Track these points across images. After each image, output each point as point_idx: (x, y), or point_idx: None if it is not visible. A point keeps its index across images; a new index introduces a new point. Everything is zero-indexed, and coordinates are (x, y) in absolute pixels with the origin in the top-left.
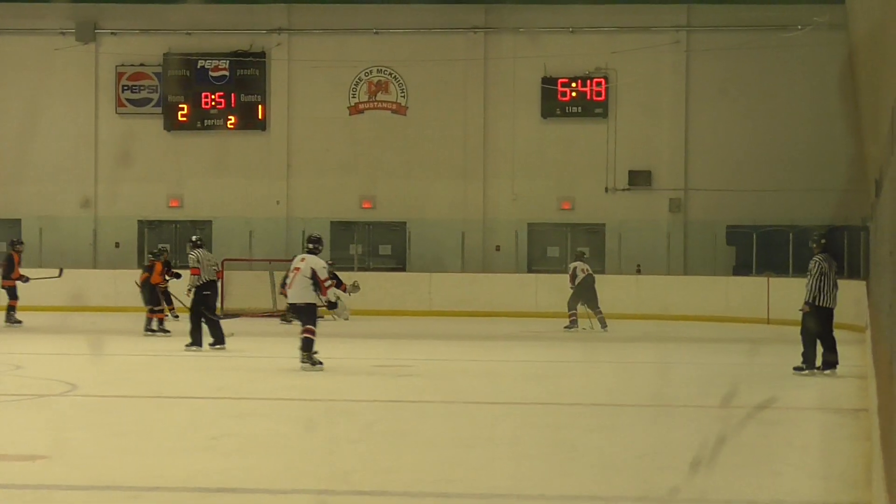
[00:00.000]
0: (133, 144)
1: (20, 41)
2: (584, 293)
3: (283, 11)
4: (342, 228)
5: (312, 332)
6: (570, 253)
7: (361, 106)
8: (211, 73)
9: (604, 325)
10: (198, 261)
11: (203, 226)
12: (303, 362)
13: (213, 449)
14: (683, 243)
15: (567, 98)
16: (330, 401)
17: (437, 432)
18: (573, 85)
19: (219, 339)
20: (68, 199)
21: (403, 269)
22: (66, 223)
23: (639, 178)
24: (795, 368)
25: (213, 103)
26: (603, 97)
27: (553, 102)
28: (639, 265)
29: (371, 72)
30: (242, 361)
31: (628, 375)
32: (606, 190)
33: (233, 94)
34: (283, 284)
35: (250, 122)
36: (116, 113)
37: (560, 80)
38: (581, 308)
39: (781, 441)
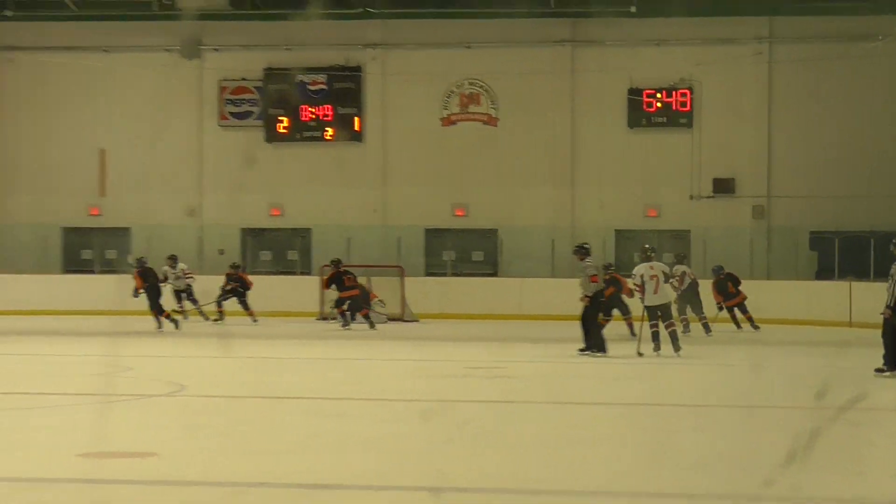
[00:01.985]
0: (235, 156)
1: (129, 58)
2: (692, 298)
3: (378, 27)
4: (436, 235)
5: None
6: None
7: (454, 117)
8: (309, 87)
9: (708, 331)
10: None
11: (303, 234)
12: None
13: (312, 447)
14: (766, 248)
15: (653, 109)
16: (425, 401)
17: (530, 432)
18: (658, 96)
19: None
20: (174, 208)
21: (495, 275)
22: (172, 231)
23: (723, 186)
24: (877, 370)
25: (312, 116)
26: (688, 107)
27: (639, 113)
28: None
29: (463, 84)
30: (338, 363)
31: (720, 377)
32: (691, 197)
33: (330, 107)
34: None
35: (347, 133)
36: (219, 126)
37: (646, 91)
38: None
39: (864, 441)
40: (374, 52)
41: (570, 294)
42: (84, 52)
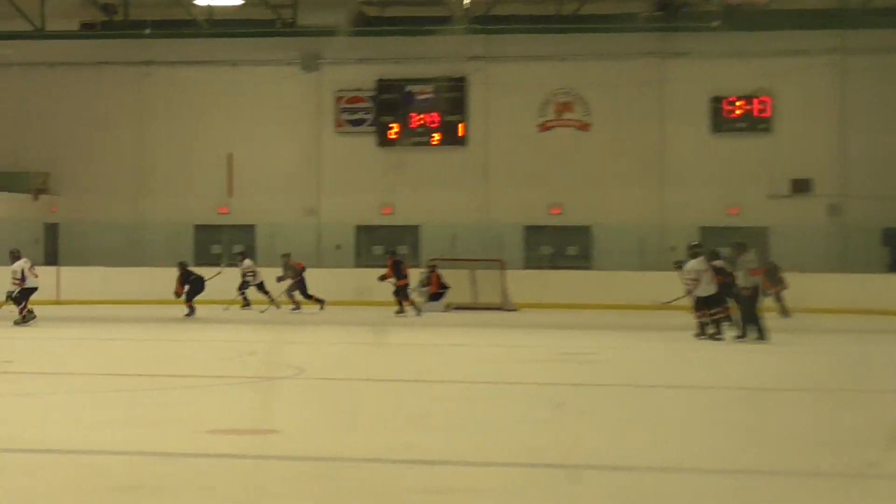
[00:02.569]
0: (350, 159)
1: (255, 72)
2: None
3: (481, 41)
4: (534, 232)
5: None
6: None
7: (549, 123)
8: (418, 97)
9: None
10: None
11: (412, 231)
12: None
13: (418, 426)
14: (841, 245)
15: (734, 115)
16: (522, 384)
17: (618, 412)
18: (739, 103)
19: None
20: (295, 207)
21: (588, 268)
22: (293, 229)
23: (800, 186)
24: None
25: (420, 122)
26: (767, 113)
27: (721, 119)
28: (802, 266)
29: (558, 93)
30: (439, 349)
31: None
32: (770, 197)
33: (437, 115)
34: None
35: (452, 138)
36: (336, 132)
37: (727, 99)
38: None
39: None
40: (477, 64)
41: (657, 286)
42: (214, 66)
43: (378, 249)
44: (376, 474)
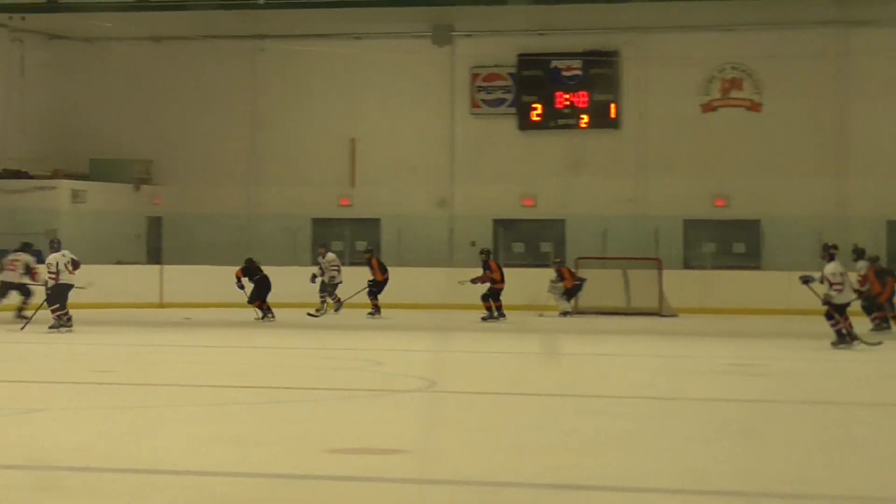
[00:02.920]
0: (487, 144)
1: (380, 45)
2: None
3: (636, 9)
4: (695, 227)
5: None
6: None
7: (714, 103)
8: (563, 73)
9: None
10: None
11: (556, 225)
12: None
13: (565, 445)
14: None
15: None
16: (682, 399)
17: (792, 432)
18: None
19: None
20: (425, 198)
21: (758, 268)
22: (422, 222)
23: None
24: None
25: (567, 103)
26: None
27: None
28: None
29: (724, 69)
30: (590, 359)
31: None
32: None
33: (585, 94)
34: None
35: (602, 120)
36: (471, 114)
37: None
38: None
39: None
40: (631, 35)
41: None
42: (334, 39)
43: (519, 246)
44: (517, 500)
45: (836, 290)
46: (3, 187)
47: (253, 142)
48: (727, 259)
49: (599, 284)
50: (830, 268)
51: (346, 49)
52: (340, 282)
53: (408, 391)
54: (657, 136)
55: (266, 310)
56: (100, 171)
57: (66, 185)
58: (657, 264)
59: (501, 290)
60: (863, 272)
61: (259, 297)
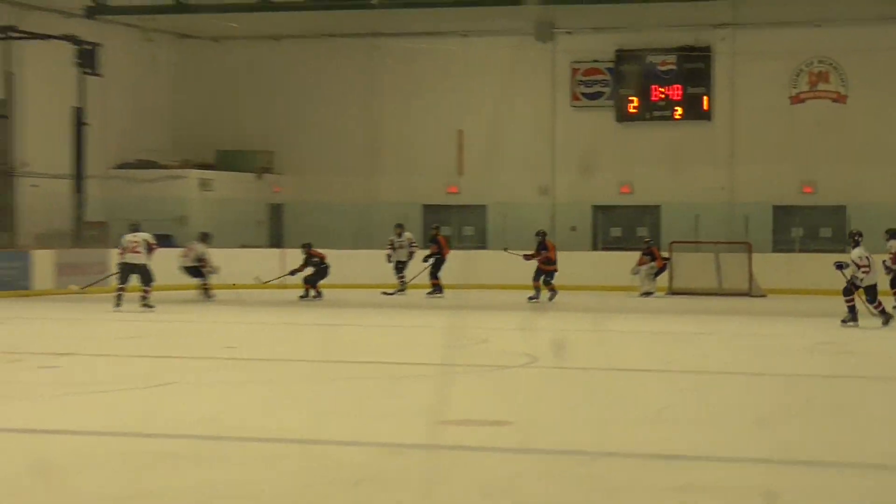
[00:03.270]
0: (586, 135)
1: (485, 42)
2: None
3: (728, 7)
4: (783, 212)
5: None
6: None
7: (802, 95)
8: (659, 68)
9: None
10: None
11: (652, 211)
12: None
13: (659, 418)
14: None
15: None
16: (771, 375)
17: (879, 408)
18: None
19: None
20: (527, 186)
21: (843, 251)
22: (525, 209)
23: None
24: None
25: (662, 96)
26: None
27: None
28: None
29: (812, 62)
30: (684, 337)
31: None
32: None
33: (679, 87)
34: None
35: (695, 112)
36: (571, 107)
37: None
38: None
39: None
40: (723, 31)
41: None
42: (444, 37)
43: (616, 231)
44: (614, 470)
45: (863, 272)
46: (136, 177)
47: (369, 133)
48: (814, 243)
49: (692, 267)
50: (857, 252)
51: (454, 46)
52: (407, 261)
53: (512, 367)
54: (747, 126)
55: (316, 292)
56: (225, 161)
57: (195, 175)
58: (747, 248)
59: (553, 271)
60: (893, 250)
61: (313, 280)
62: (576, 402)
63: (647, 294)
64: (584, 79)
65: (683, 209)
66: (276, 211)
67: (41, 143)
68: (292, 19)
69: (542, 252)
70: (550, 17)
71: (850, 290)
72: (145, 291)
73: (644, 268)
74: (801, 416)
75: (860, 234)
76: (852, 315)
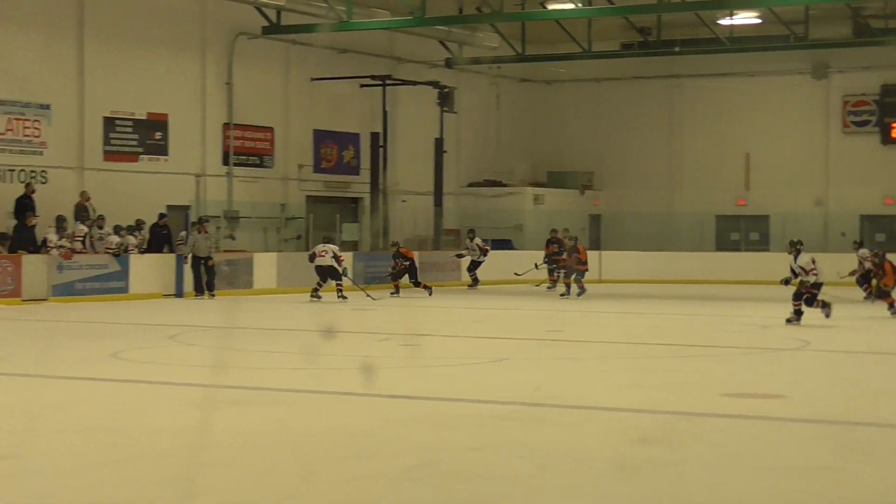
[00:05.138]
0: (854, 156)
1: (769, 81)
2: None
3: None
4: None
5: None
6: None
7: None
8: None
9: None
10: None
11: None
12: None
13: None
14: None
15: None
16: None
17: None
18: None
19: None
20: (804, 199)
21: None
22: (802, 218)
23: None
24: None
25: None
26: None
27: None
28: None
29: None
30: None
31: None
32: None
33: None
34: None
35: None
36: (842, 132)
37: None
38: None
39: None
40: None
41: None
42: (734, 77)
43: (880, 236)
44: (867, 437)
45: (813, 275)
46: (483, 193)
47: (670, 156)
48: None
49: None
50: (802, 259)
51: (742, 84)
52: (481, 262)
53: (787, 349)
54: None
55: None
56: (554, 180)
57: (530, 191)
58: None
59: (585, 271)
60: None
61: (413, 278)
62: (841, 378)
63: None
64: (853, 109)
65: None
66: (594, 220)
67: (409, 167)
68: (609, 65)
69: (575, 255)
70: (825, 60)
71: (800, 294)
72: (338, 286)
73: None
74: None
75: (801, 243)
76: (797, 315)
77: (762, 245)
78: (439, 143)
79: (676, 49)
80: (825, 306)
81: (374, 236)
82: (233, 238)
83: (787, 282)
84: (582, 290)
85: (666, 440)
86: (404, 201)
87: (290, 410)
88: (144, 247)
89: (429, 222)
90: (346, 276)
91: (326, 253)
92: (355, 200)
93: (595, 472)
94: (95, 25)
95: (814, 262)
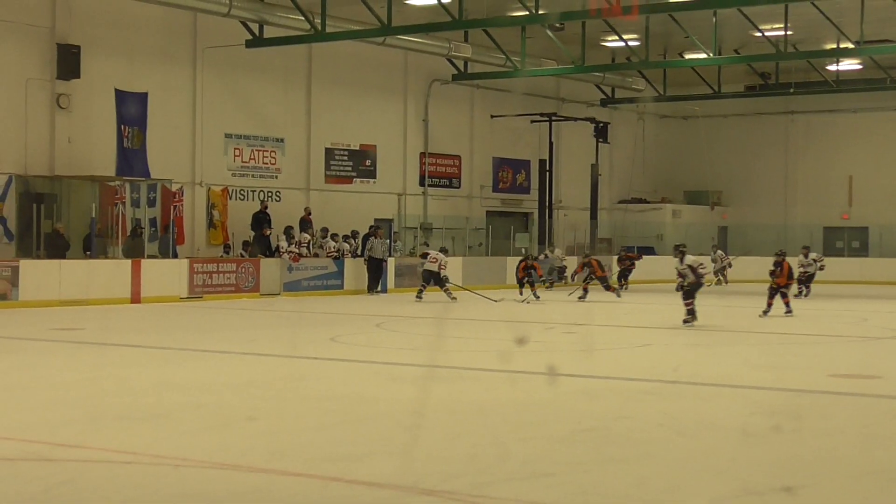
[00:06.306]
0: None
1: (868, 116)
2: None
3: None
4: None
5: None
6: None
7: None
8: None
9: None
10: None
11: None
12: None
13: None
14: None
15: None
16: None
17: None
18: None
19: None
20: None
21: None
22: None
23: None
24: None
25: None
26: None
27: None
28: None
29: None
30: None
31: None
32: None
33: None
34: None
35: None
36: None
37: None
38: None
39: None
40: None
41: None
42: (839, 113)
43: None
44: None
45: (703, 270)
46: (630, 209)
47: (785, 177)
48: None
49: None
50: (690, 259)
51: (846, 119)
52: (560, 268)
53: (884, 338)
54: None
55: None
56: (689, 197)
57: (669, 208)
58: None
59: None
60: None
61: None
62: None
63: None
64: None
65: None
66: (723, 231)
67: (571, 187)
68: (735, 104)
69: (587, 268)
70: None
71: (690, 293)
72: (446, 289)
73: None
74: None
75: (684, 246)
76: (692, 315)
77: (862, 252)
78: (595, 168)
79: (791, 90)
80: (693, 315)
81: (539, 243)
82: (427, 245)
83: (679, 287)
84: (615, 290)
85: (784, 412)
86: (566, 215)
87: (474, 385)
88: (357, 252)
89: (586, 232)
90: (447, 282)
91: (436, 260)
92: (526, 214)
93: (723, 438)
94: (321, 75)
95: (702, 263)
